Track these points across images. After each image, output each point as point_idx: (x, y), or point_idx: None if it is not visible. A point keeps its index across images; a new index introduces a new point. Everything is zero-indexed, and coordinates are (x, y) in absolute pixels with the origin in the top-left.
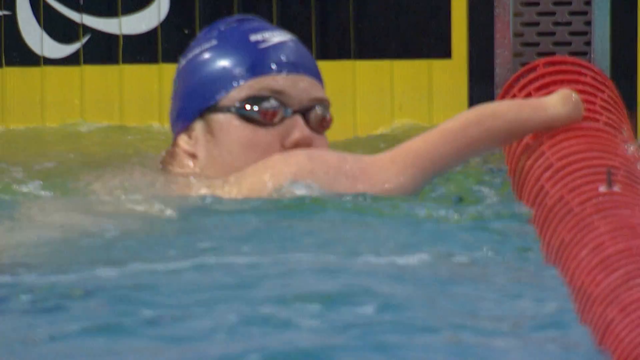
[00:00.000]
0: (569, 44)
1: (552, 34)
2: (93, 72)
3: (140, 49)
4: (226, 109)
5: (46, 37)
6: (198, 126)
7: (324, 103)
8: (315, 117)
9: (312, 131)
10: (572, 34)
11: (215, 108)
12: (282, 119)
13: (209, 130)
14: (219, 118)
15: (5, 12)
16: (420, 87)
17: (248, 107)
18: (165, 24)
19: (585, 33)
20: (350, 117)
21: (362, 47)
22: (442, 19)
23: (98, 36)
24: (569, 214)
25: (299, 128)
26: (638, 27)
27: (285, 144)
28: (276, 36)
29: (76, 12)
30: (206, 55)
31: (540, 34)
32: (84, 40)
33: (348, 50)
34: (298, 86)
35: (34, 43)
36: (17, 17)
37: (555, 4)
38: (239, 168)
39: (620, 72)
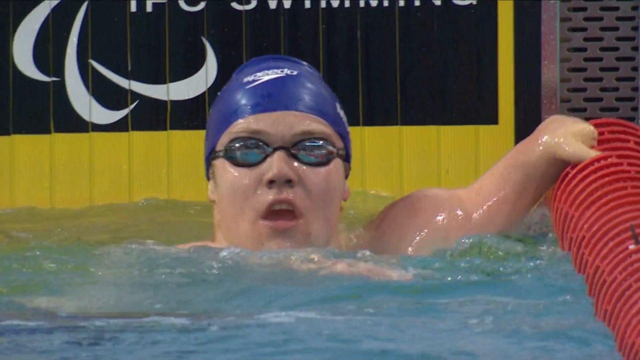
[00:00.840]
0: (617, 109)
1: (600, 99)
2: (141, 138)
3: (187, 115)
4: (218, 154)
5: (94, 103)
6: (211, 173)
7: (314, 135)
8: (304, 151)
9: (304, 165)
10: (619, 99)
11: (214, 154)
12: (264, 158)
13: (214, 177)
14: (216, 163)
15: (55, 79)
16: (467, 153)
17: (231, 149)
18: (212, 90)
19: (632, 99)
20: (397, 182)
21: (408, 113)
22: (488, 85)
23: (146, 102)
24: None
25: (274, 165)
26: None
27: (263, 183)
28: (269, 74)
29: (124, 79)
30: (215, 102)
31: (587, 99)
32: (132, 106)
33: (395, 116)
34: (280, 123)
35: (82, 109)
36: (65, 83)
37: (602, 69)
38: (231, 215)
39: None
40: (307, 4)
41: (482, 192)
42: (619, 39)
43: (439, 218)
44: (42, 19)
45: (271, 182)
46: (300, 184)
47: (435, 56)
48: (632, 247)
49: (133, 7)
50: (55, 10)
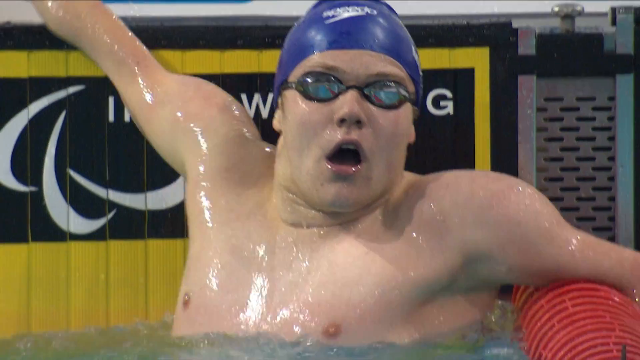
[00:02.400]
0: (593, 219)
1: (576, 209)
2: (119, 247)
3: (165, 224)
4: (291, 85)
5: (72, 212)
6: (279, 103)
7: (388, 78)
8: (376, 93)
9: (375, 106)
10: (596, 209)
11: (286, 84)
12: (336, 95)
13: (283, 107)
14: (287, 94)
15: (32, 188)
16: None
17: (304, 83)
18: None
19: (609, 208)
20: None
21: None
22: None
23: (124, 211)
24: None
25: (346, 104)
26: None
27: (334, 120)
28: (349, 11)
29: (103, 188)
30: (291, 33)
31: (563, 208)
32: (110, 215)
33: None
34: (356, 62)
35: (60, 218)
36: (43, 193)
37: (579, 179)
38: (296, 148)
39: None
40: None
41: (589, 259)
42: (595, 149)
43: (508, 237)
44: (20, 128)
45: (342, 121)
46: (369, 125)
47: (412, 165)
48: None
49: (111, 117)
50: (33, 120)
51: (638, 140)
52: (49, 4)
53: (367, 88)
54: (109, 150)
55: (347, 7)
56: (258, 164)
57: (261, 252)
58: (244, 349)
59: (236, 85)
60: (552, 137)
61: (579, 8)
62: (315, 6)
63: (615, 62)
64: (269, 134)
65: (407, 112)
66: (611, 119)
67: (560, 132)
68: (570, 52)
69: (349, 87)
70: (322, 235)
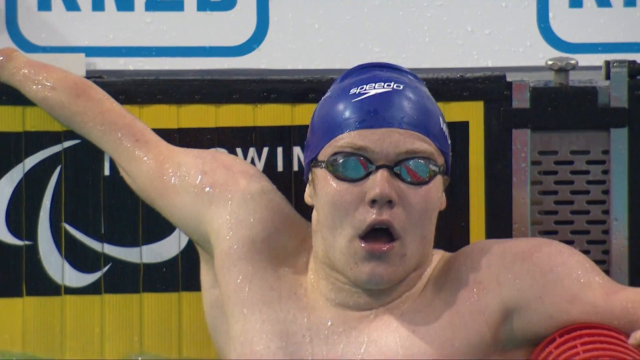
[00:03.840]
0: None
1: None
2: (114, 301)
3: (160, 278)
4: (320, 165)
5: (67, 266)
6: (310, 179)
7: (417, 155)
8: (406, 170)
9: (406, 184)
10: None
11: (316, 162)
12: (367, 175)
13: (313, 184)
14: (317, 172)
15: (27, 242)
16: None
17: (334, 163)
18: (185, 252)
19: (603, 262)
20: None
21: None
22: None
23: (119, 265)
24: None
25: (377, 184)
26: None
27: (365, 200)
28: (375, 88)
29: (98, 242)
30: (319, 108)
31: None
32: (105, 269)
33: None
34: (385, 141)
35: (55, 272)
36: (38, 247)
37: (573, 232)
38: (328, 227)
39: None
40: (280, 167)
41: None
42: (589, 202)
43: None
44: (15, 182)
45: (373, 202)
46: (401, 204)
47: None
48: None
49: (106, 171)
50: (28, 174)
51: (632, 193)
52: (32, 94)
53: (397, 166)
54: (105, 204)
55: (373, 84)
56: (292, 236)
57: (310, 337)
58: None
59: (231, 139)
60: (546, 191)
61: (572, 62)
62: (341, 79)
63: (610, 116)
64: None
65: (437, 185)
66: (605, 172)
67: (555, 186)
68: (564, 105)
69: (378, 167)
70: (369, 320)
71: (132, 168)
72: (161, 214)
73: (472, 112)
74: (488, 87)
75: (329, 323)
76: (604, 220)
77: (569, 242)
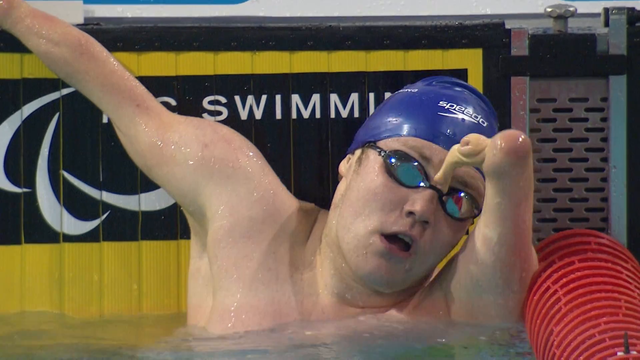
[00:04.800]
0: (587, 219)
1: (570, 210)
2: (112, 249)
3: (159, 226)
4: (378, 151)
5: (66, 214)
6: (357, 154)
7: (467, 190)
8: (453, 202)
9: (446, 214)
10: (588, 210)
11: (373, 145)
12: (417, 186)
13: (359, 162)
14: (370, 155)
15: (26, 189)
16: None
17: (393, 158)
18: None
19: (602, 209)
20: None
21: None
22: None
23: (118, 213)
24: None
25: (423, 202)
26: None
27: (402, 209)
28: (464, 113)
29: (96, 189)
30: (402, 97)
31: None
32: (104, 216)
33: None
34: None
35: (54, 220)
36: (37, 194)
37: (571, 180)
38: (354, 210)
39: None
40: (278, 115)
41: None
42: (588, 149)
43: None
44: (13, 130)
45: (410, 213)
46: (433, 228)
47: None
48: (620, 354)
49: (105, 119)
50: (26, 121)
51: (631, 141)
52: (34, 47)
53: (447, 195)
54: (103, 152)
55: (463, 108)
56: (292, 218)
57: (303, 324)
58: None
59: (230, 86)
60: (545, 138)
61: (571, 9)
62: (430, 82)
63: (608, 63)
64: (262, 136)
65: (467, 225)
66: (604, 119)
67: (553, 133)
68: (563, 53)
69: (432, 186)
70: (363, 318)
71: (132, 133)
72: (156, 182)
73: (470, 60)
74: (487, 34)
75: (321, 312)
76: (602, 167)
77: (568, 190)
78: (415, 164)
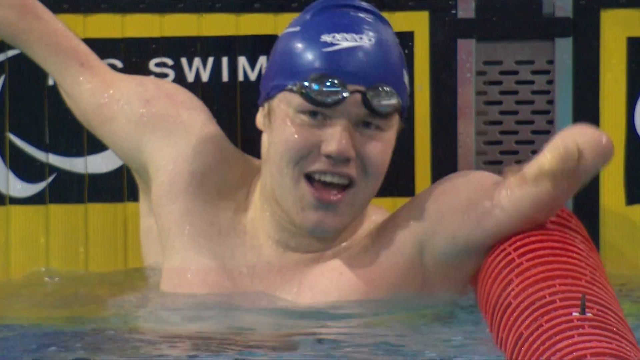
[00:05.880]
0: None
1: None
2: (59, 211)
3: (105, 188)
4: (279, 103)
5: (12, 177)
6: (266, 108)
7: (385, 88)
8: (377, 97)
9: (366, 138)
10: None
11: (273, 98)
12: (321, 127)
13: (269, 117)
14: (274, 108)
15: None
16: None
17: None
18: None
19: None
20: None
21: None
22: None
23: (64, 175)
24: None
25: (336, 139)
26: None
27: (319, 150)
28: (348, 39)
29: (42, 152)
30: (285, 41)
31: None
32: (50, 179)
33: None
34: (349, 100)
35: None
36: None
37: (517, 142)
38: (276, 164)
39: None
40: (225, 77)
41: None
42: (534, 112)
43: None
44: None
45: (328, 156)
46: (357, 158)
47: None
48: (575, 314)
49: (51, 81)
50: None
51: (576, 103)
52: None
53: (370, 90)
54: (49, 114)
55: (345, 35)
56: (232, 170)
57: (247, 275)
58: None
59: (176, 49)
60: (491, 101)
61: None
62: (312, 15)
63: (554, 26)
64: (209, 99)
65: (393, 136)
66: (550, 82)
67: (500, 96)
68: (509, 15)
69: (353, 92)
70: (306, 263)
71: (75, 92)
72: (101, 141)
73: (417, 22)
74: None
75: (267, 262)
76: (548, 130)
77: (514, 153)
78: (314, 109)
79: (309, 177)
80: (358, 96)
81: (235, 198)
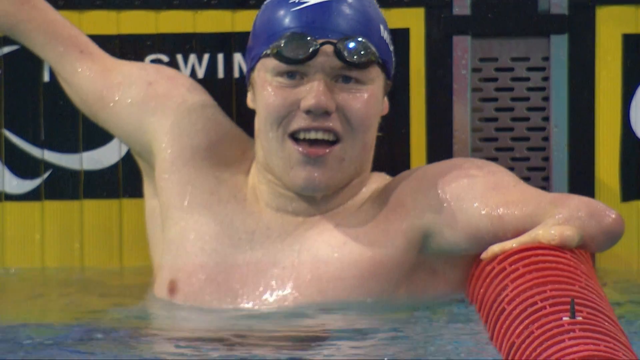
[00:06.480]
0: (528, 179)
1: (511, 169)
2: (54, 207)
3: (101, 185)
4: (256, 71)
5: (7, 173)
6: (250, 81)
7: (357, 39)
8: (348, 46)
9: (347, 92)
10: (530, 169)
11: (253, 68)
12: (297, 85)
13: (253, 91)
14: (255, 79)
15: None
16: None
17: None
18: (126, 159)
19: (543, 169)
20: None
21: None
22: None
23: (60, 171)
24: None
25: (314, 93)
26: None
27: (299, 108)
28: None
29: (38, 148)
30: (260, 14)
31: None
32: (45, 175)
33: None
34: (322, 53)
35: None
36: None
37: (513, 139)
38: (264, 131)
39: None
40: (221, 74)
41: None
42: (530, 109)
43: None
44: None
45: (308, 112)
46: (339, 111)
47: None
48: (565, 319)
49: (46, 77)
50: None
51: (572, 100)
52: None
53: (340, 42)
54: (45, 110)
55: None
56: (234, 145)
57: (246, 241)
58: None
59: (172, 45)
60: (486, 98)
61: None
62: None
63: (550, 22)
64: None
65: (378, 88)
66: (545, 79)
67: (495, 93)
68: (505, 12)
69: (322, 43)
70: (305, 227)
71: (75, 80)
72: (104, 127)
73: (412, 19)
74: None
75: (266, 227)
76: (543, 127)
77: (509, 150)
78: (290, 65)
79: (295, 138)
80: (330, 48)
81: (236, 171)
